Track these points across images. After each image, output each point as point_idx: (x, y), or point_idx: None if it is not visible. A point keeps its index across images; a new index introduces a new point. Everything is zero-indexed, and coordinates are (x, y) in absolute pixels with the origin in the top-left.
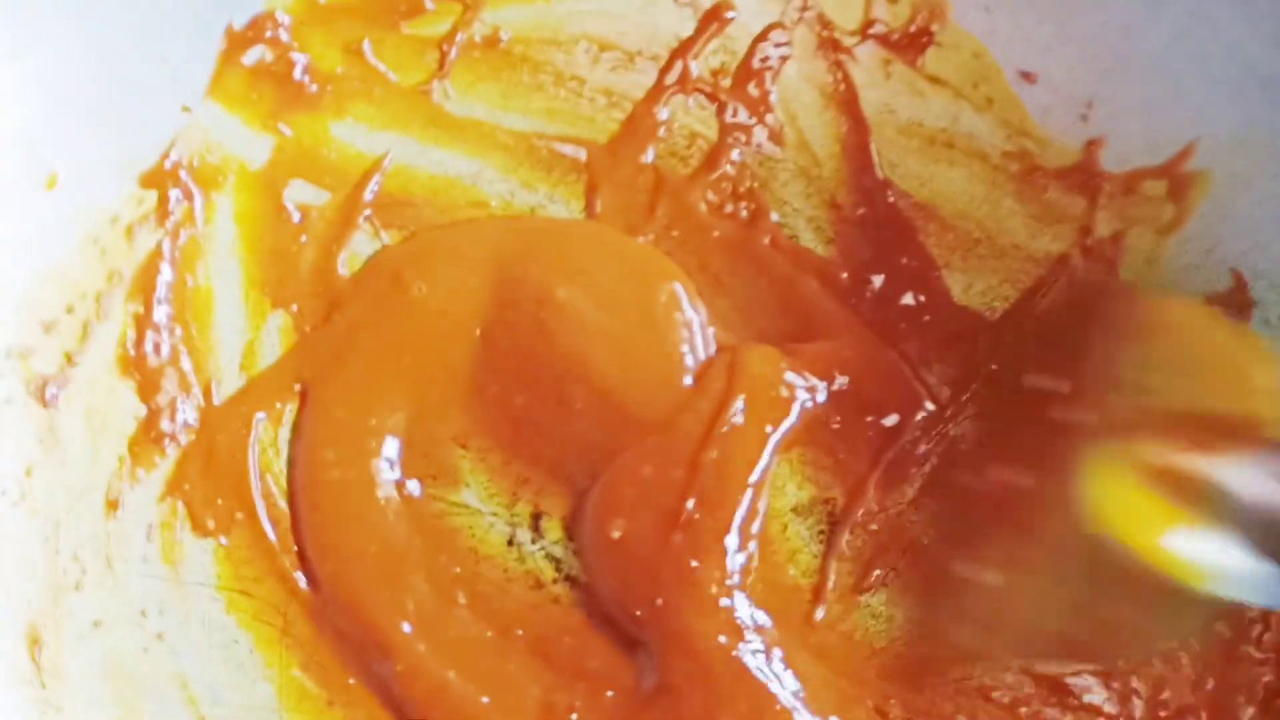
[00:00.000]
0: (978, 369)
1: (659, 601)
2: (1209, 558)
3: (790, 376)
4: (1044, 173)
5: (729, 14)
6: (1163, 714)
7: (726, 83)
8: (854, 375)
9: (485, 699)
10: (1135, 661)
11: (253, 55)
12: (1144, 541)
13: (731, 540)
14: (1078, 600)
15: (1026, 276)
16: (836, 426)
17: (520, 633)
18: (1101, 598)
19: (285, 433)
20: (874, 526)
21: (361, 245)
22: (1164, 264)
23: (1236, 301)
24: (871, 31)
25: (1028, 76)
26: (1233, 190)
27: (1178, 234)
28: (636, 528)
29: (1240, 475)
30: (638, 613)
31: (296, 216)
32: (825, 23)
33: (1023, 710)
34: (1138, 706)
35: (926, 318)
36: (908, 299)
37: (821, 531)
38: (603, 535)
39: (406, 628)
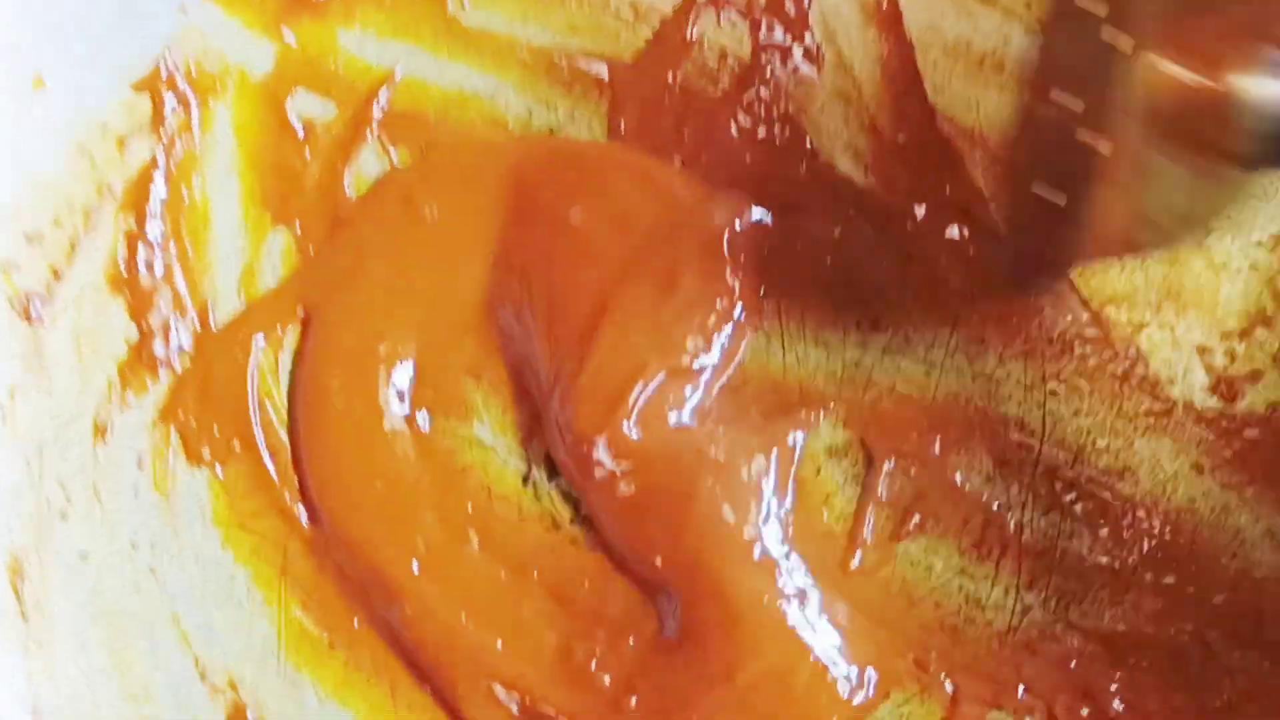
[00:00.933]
0: (1027, 312)
1: (685, 548)
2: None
3: None
4: None
5: None
6: None
7: None
8: None
9: (499, 644)
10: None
11: None
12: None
13: (767, 484)
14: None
15: None
16: None
17: (536, 575)
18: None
19: (287, 359)
20: (913, 471)
21: (369, 163)
22: None
23: None
24: None
25: None
26: None
27: None
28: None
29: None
30: (658, 561)
31: (301, 130)
32: None
33: (1071, 665)
34: None
35: (971, 252)
36: (952, 232)
37: (857, 475)
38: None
39: (415, 567)
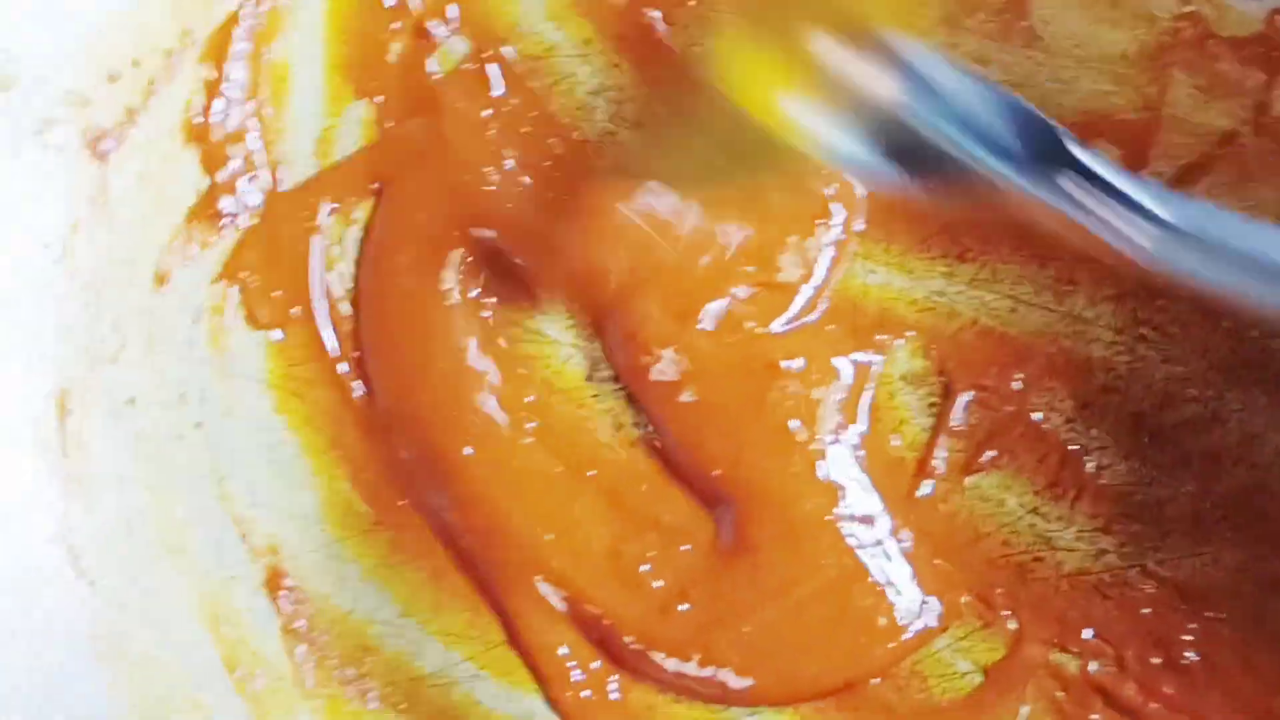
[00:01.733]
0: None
1: (746, 461)
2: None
3: None
4: (1219, 41)
5: None
6: None
7: None
8: None
9: (548, 536)
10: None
11: None
12: (755, 94)
13: (839, 403)
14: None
15: (1187, 151)
16: None
17: (592, 474)
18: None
19: (355, 232)
20: (991, 405)
21: (457, 44)
22: None
23: None
24: None
25: None
26: None
27: None
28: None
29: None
30: (716, 473)
31: (391, 1)
32: None
33: (1144, 612)
34: None
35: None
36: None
37: (933, 404)
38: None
39: (468, 451)
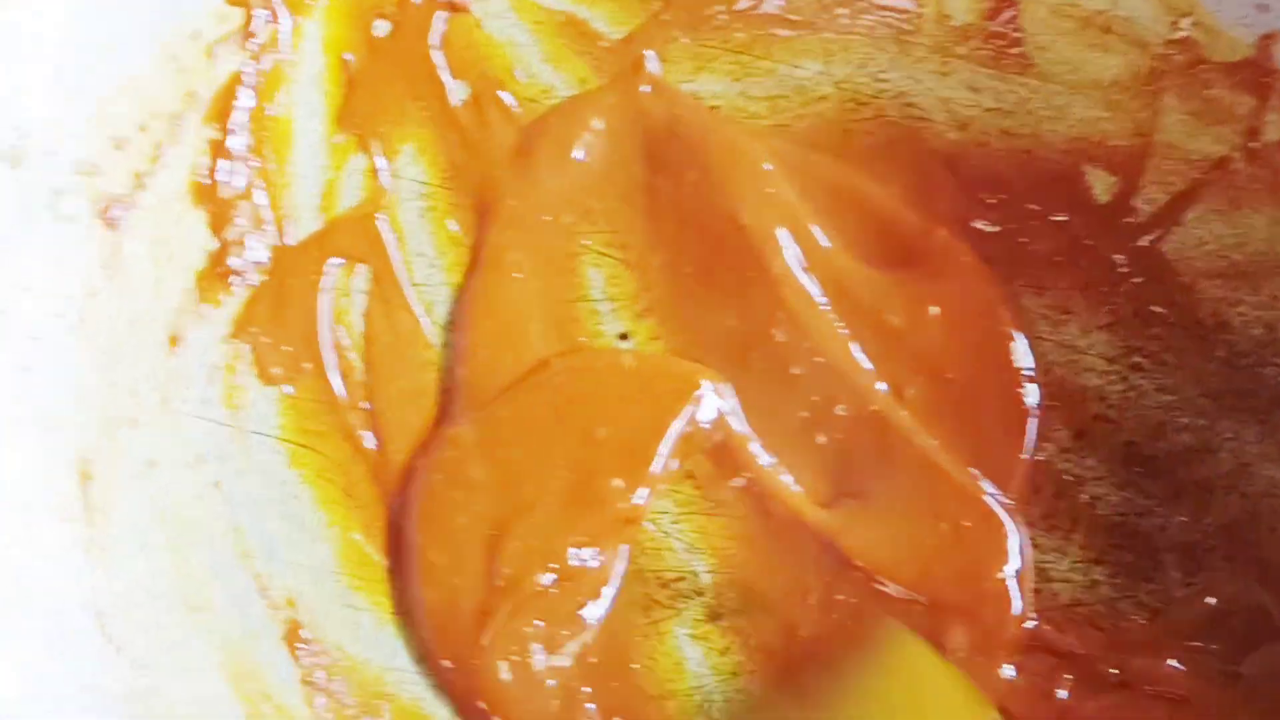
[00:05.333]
0: (1115, 279)
1: None
2: None
3: None
4: (1210, 67)
5: None
6: None
7: None
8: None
9: None
10: None
11: None
12: None
13: None
14: None
15: (1179, 178)
16: None
17: None
18: None
19: (361, 283)
20: None
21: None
22: None
23: None
24: None
25: None
26: None
27: None
28: None
29: None
30: None
31: None
32: None
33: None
34: None
35: (1063, 218)
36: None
37: None
38: None
39: None
